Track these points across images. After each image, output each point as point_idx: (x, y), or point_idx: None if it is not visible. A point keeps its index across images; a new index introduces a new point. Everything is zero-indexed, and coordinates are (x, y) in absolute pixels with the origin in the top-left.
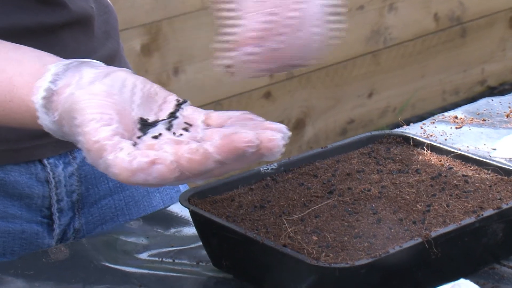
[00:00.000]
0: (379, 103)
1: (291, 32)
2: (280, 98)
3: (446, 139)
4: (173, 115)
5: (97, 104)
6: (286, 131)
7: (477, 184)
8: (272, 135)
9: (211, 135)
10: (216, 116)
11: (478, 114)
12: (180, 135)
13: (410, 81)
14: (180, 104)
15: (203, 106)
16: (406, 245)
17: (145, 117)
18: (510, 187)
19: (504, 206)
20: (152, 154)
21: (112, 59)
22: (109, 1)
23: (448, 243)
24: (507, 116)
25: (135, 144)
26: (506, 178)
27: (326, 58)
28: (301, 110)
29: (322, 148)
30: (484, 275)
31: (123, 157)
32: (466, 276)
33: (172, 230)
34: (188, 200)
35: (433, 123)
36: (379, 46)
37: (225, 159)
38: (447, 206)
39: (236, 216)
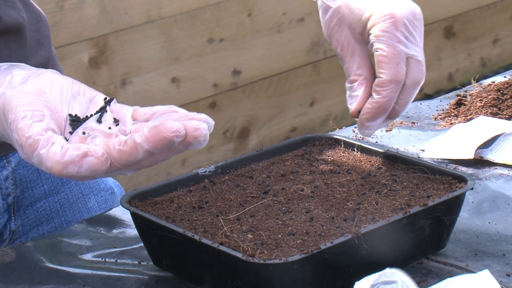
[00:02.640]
0: (321, 112)
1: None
2: (225, 107)
3: (377, 141)
4: (102, 111)
5: (29, 102)
6: (211, 121)
7: (404, 183)
8: (198, 124)
9: (139, 128)
10: (143, 111)
11: (408, 117)
12: (109, 128)
13: None
14: (108, 102)
15: None
16: (337, 241)
17: (75, 114)
18: (436, 185)
19: (430, 203)
20: (83, 147)
21: (44, 66)
22: (41, 11)
23: (377, 239)
24: (435, 118)
25: (67, 139)
26: (432, 177)
27: (269, 69)
28: (246, 119)
29: (257, 150)
30: (413, 269)
31: (56, 150)
32: None
33: (115, 231)
34: (129, 202)
35: None
36: (319, 57)
37: (153, 149)
38: (376, 204)
39: (175, 216)
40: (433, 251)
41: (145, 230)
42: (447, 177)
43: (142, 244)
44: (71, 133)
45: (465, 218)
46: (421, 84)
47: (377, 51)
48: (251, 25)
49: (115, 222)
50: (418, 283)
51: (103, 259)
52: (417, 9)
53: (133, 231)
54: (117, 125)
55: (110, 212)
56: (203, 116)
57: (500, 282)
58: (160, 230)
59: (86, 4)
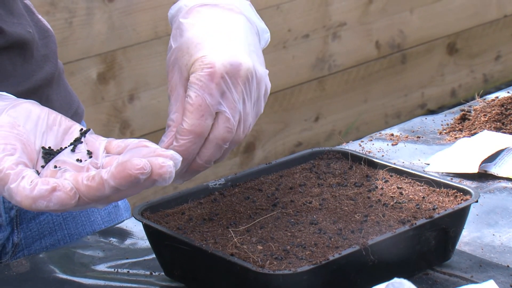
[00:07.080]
0: (325, 127)
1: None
2: None
3: (383, 155)
4: (76, 143)
5: (1, 135)
6: (178, 157)
7: (411, 196)
8: (163, 162)
9: (109, 162)
10: (116, 143)
11: (413, 131)
12: (80, 161)
13: (354, 106)
14: (83, 133)
15: (157, 131)
16: (345, 252)
17: (49, 146)
18: (441, 198)
19: (436, 216)
20: (52, 181)
21: (50, 81)
22: (49, 26)
23: (384, 250)
24: (440, 133)
25: (38, 172)
26: (437, 189)
27: (274, 84)
28: (251, 134)
29: (266, 164)
30: (419, 280)
31: (25, 185)
32: None
33: (127, 243)
34: (141, 214)
35: (371, 140)
36: (324, 73)
37: (119, 185)
38: (383, 216)
39: (186, 228)
40: (438, 262)
41: (157, 241)
42: (452, 190)
43: (153, 255)
44: (43, 166)
45: (469, 230)
46: (228, 142)
47: (187, 98)
48: None
49: (127, 234)
50: None
51: (116, 270)
52: (244, 66)
53: (144, 243)
54: (90, 157)
55: (121, 224)
56: (171, 153)
57: None
58: (171, 241)
59: (94, 20)
